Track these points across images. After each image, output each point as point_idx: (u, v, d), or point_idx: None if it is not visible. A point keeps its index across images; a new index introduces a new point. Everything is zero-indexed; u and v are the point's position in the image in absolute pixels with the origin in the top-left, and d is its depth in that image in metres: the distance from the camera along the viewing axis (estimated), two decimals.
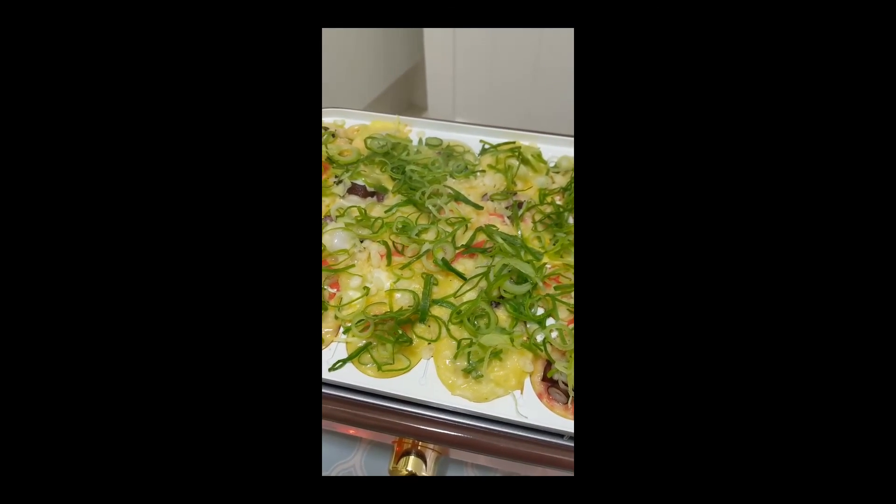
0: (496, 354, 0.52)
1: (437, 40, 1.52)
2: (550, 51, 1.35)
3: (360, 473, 0.61)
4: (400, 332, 0.53)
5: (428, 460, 0.52)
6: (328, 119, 0.83)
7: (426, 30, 1.48)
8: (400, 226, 0.64)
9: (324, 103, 1.58)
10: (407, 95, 2.14)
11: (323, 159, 0.74)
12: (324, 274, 0.60)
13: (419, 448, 0.52)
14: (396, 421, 0.50)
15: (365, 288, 0.59)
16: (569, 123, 1.40)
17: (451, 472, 0.59)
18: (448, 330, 0.55)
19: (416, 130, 0.81)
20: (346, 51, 1.64)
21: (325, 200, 0.69)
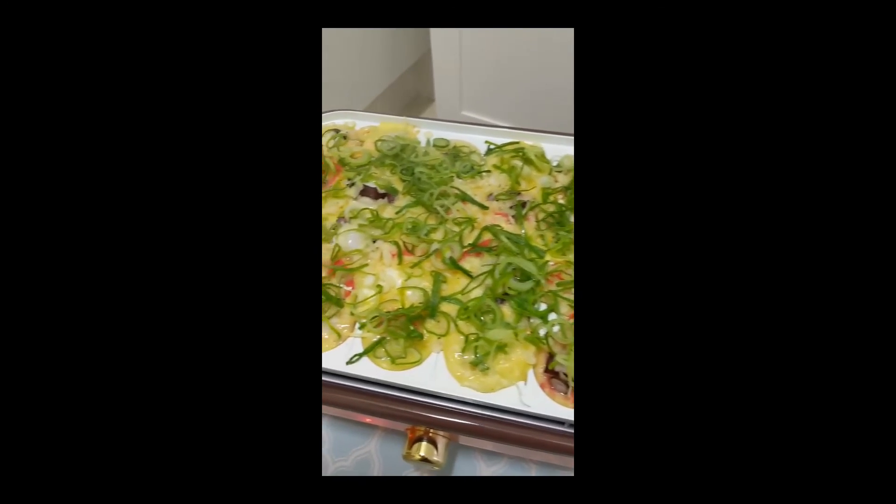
0: (501, 348, 0.56)
1: (444, 32, 1.53)
2: (558, 42, 1.36)
3: (375, 459, 0.66)
4: (412, 328, 0.57)
5: (439, 446, 0.56)
6: (339, 121, 0.86)
7: None
8: (410, 226, 0.68)
9: (331, 96, 1.60)
10: (414, 87, 2.15)
11: (335, 161, 0.78)
12: (339, 273, 0.64)
13: (430, 435, 0.57)
14: (409, 410, 0.54)
15: (378, 286, 0.63)
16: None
17: (460, 457, 0.64)
18: (456, 325, 0.59)
19: (424, 131, 0.84)
20: (353, 43, 1.66)
21: (339, 202, 0.73)
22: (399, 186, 0.74)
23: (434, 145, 0.81)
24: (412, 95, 2.23)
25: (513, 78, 1.54)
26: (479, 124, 0.82)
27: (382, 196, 0.73)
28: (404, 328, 0.58)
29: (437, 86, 1.73)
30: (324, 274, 0.64)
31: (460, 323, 0.59)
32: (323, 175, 0.76)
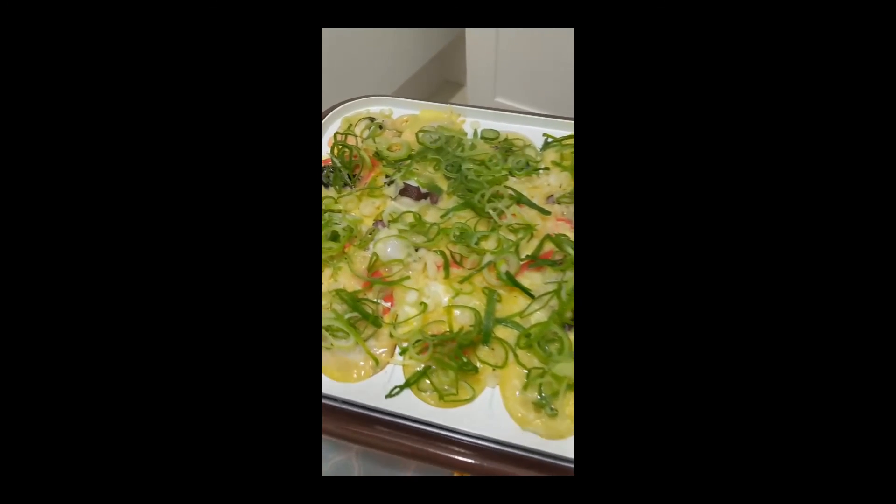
0: (572, 386, 0.47)
1: None
2: None
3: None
4: (465, 359, 0.48)
5: None
6: (374, 108, 0.77)
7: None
8: (457, 233, 0.58)
9: (359, 81, 1.50)
10: (443, 72, 2.04)
11: (370, 154, 0.68)
12: (377, 288, 0.55)
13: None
14: (459, 457, 0.45)
15: (422, 304, 0.54)
16: None
17: None
18: (516, 355, 0.50)
19: (471, 121, 0.74)
20: (381, 28, 1.56)
21: (376, 202, 0.64)
22: (444, 185, 0.65)
23: (482, 137, 0.71)
24: (439, 82, 2.13)
25: (555, 62, 1.42)
26: (526, 113, 0.72)
27: (425, 196, 0.64)
28: (454, 357, 0.49)
29: (469, 70, 1.62)
30: (359, 286, 0.56)
31: (520, 353, 0.50)
32: (357, 170, 0.67)
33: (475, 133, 0.72)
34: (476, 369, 0.48)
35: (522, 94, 1.58)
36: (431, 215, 0.61)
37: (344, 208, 0.63)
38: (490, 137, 0.70)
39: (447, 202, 0.63)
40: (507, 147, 0.69)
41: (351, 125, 0.73)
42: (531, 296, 0.53)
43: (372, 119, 0.74)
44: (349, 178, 0.66)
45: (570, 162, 0.66)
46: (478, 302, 0.53)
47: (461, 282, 0.55)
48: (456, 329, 0.52)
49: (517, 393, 0.48)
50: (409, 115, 0.75)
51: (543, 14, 0.35)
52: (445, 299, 0.54)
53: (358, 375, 0.50)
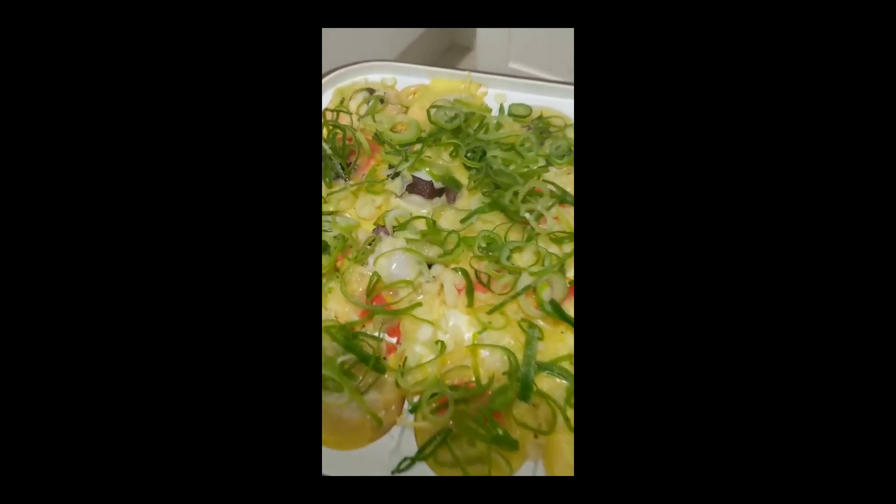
0: None
1: None
2: None
3: None
4: (500, 431, 0.36)
5: None
6: (374, 77, 0.62)
7: None
8: (483, 244, 0.45)
9: (357, 45, 1.33)
10: (449, 34, 1.86)
11: (369, 136, 0.54)
12: (379, 318, 0.42)
13: None
14: None
15: (439, 343, 0.41)
16: None
17: None
18: (565, 416, 0.37)
19: (494, 92, 0.59)
20: None
21: (376, 201, 0.50)
22: (463, 177, 0.51)
23: (511, 114, 0.56)
24: (445, 45, 1.95)
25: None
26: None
27: (439, 193, 0.50)
28: (482, 421, 0.36)
29: (479, 32, 1.46)
30: (355, 315, 0.43)
31: (572, 412, 0.37)
32: (352, 157, 0.53)
33: (501, 109, 0.57)
34: (515, 444, 0.36)
35: (542, 58, 1.41)
36: (448, 219, 0.48)
37: (335, 208, 0.49)
38: (521, 115, 0.56)
39: (468, 201, 0.50)
40: (542, 127, 0.55)
41: (344, 99, 0.58)
42: None
43: (371, 91, 0.59)
44: (342, 167, 0.52)
45: None
46: (512, 340, 0.42)
47: (490, 312, 0.42)
48: (484, 378, 0.39)
49: (570, 469, 0.35)
50: (417, 86, 0.60)
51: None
52: (469, 335, 0.42)
53: (355, 441, 0.38)
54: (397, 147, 0.53)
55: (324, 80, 0.60)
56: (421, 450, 0.37)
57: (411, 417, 0.39)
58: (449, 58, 1.95)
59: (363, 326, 0.43)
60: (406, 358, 0.41)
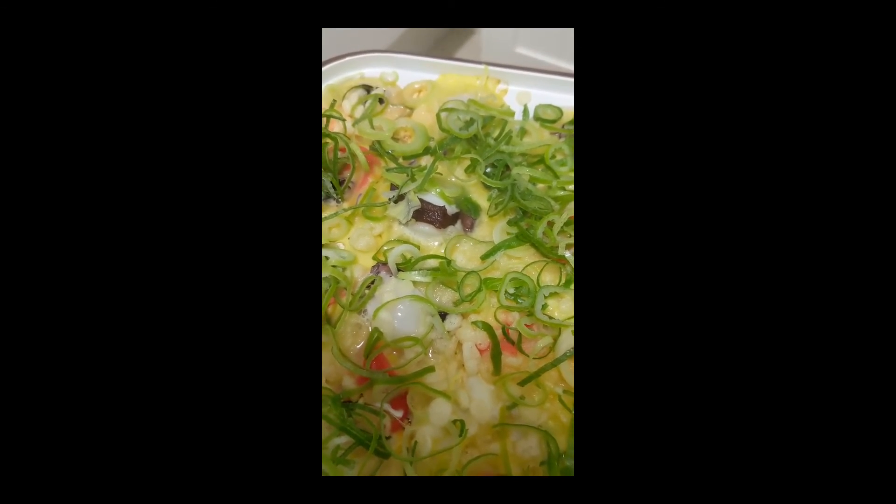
0: None
1: None
2: None
3: None
4: None
5: None
6: (369, 71, 0.52)
7: None
8: (511, 289, 0.36)
9: (347, 33, 1.22)
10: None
11: (367, 146, 0.44)
12: (380, 387, 0.33)
13: None
14: None
15: (458, 423, 0.32)
16: None
17: None
18: None
19: (516, 91, 0.49)
20: None
21: (375, 228, 0.41)
22: (482, 200, 0.41)
23: (537, 118, 0.47)
24: (445, 28, 1.84)
25: None
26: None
27: (453, 220, 0.40)
28: None
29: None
30: (351, 382, 0.34)
31: None
32: (345, 173, 0.43)
33: (525, 111, 0.47)
34: None
35: (552, 44, 1.31)
36: (466, 254, 0.39)
37: (326, 238, 0.40)
38: (549, 119, 0.46)
39: (489, 230, 0.40)
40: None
41: (336, 99, 0.48)
42: None
43: (368, 89, 0.49)
44: (333, 186, 0.42)
45: None
46: (551, 421, 0.32)
47: (522, 383, 0.33)
48: (516, 470, 0.30)
49: None
50: (423, 82, 0.50)
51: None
52: (496, 410, 0.33)
53: None
54: (400, 161, 0.44)
55: None
56: None
57: None
58: (448, 42, 1.84)
59: (361, 396, 0.34)
60: (416, 442, 0.32)
